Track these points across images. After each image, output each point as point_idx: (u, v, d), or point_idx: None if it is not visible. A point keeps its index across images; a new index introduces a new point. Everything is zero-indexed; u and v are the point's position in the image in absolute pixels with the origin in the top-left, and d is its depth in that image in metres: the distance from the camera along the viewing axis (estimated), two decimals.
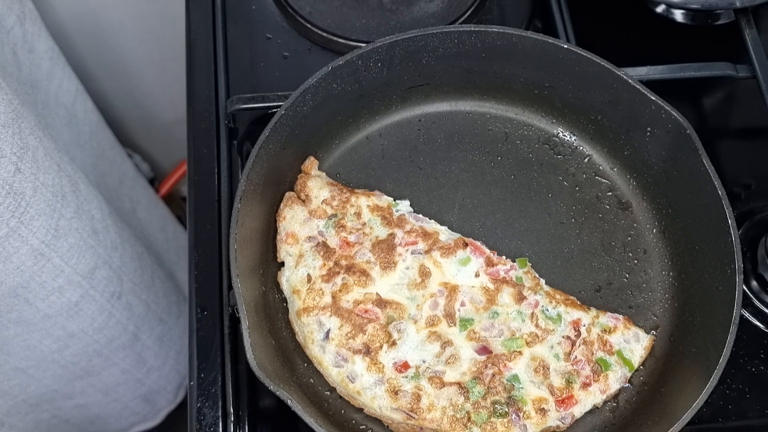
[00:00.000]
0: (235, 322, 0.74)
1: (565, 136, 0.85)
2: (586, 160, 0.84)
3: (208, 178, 0.84)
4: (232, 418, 0.72)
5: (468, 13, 0.94)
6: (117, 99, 1.41)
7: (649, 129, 0.77)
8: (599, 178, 0.83)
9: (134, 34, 1.28)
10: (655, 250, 0.79)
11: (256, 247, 0.74)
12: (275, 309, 0.75)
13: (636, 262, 0.79)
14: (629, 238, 0.80)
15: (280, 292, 0.76)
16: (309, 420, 0.62)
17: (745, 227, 0.83)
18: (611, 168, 0.83)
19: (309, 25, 0.93)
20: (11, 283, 0.85)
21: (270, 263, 0.76)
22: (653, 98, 0.75)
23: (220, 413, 0.74)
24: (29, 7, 1.01)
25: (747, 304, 0.79)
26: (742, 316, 0.74)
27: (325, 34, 0.92)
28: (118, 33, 1.26)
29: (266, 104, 0.84)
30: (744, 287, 0.73)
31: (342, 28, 0.92)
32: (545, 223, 0.80)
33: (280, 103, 0.76)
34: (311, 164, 0.80)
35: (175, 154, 1.53)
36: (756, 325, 0.79)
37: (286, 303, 0.75)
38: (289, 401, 0.62)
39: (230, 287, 0.68)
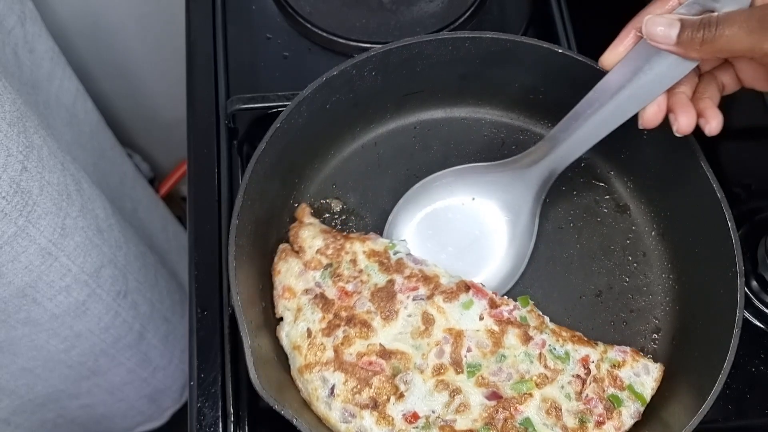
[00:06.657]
0: (235, 322, 0.74)
1: None
2: (583, 163, 0.83)
3: (208, 178, 0.84)
4: (232, 418, 0.72)
5: (468, 14, 0.93)
6: (117, 99, 1.41)
7: (646, 132, 0.77)
8: (596, 182, 0.82)
9: (134, 35, 1.28)
10: (655, 253, 0.79)
11: (256, 267, 0.73)
12: (276, 325, 0.74)
13: (636, 265, 0.79)
14: (628, 242, 0.80)
15: None
16: None
17: (745, 228, 0.82)
18: (608, 171, 0.83)
19: (309, 25, 0.93)
20: (19, 283, 0.85)
21: (270, 280, 0.75)
22: None
23: (220, 413, 0.74)
24: (30, 8, 1.01)
25: (747, 304, 0.79)
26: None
27: (325, 34, 0.92)
28: (118, 33, 1.26)
29: (266, 104, 0.83)
30: (744, 288, 0.73)
31: (342, 28, 0.92)
32: (543, 229, 0.80)
33: (280, 103, 0.76)
34: (302, 211, 0.78)
35: (175, 154, 1.53)
36: (756, 326, 0.79)
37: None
38: (294, 420, 0.61)
39: (230, 288, 0.68)
